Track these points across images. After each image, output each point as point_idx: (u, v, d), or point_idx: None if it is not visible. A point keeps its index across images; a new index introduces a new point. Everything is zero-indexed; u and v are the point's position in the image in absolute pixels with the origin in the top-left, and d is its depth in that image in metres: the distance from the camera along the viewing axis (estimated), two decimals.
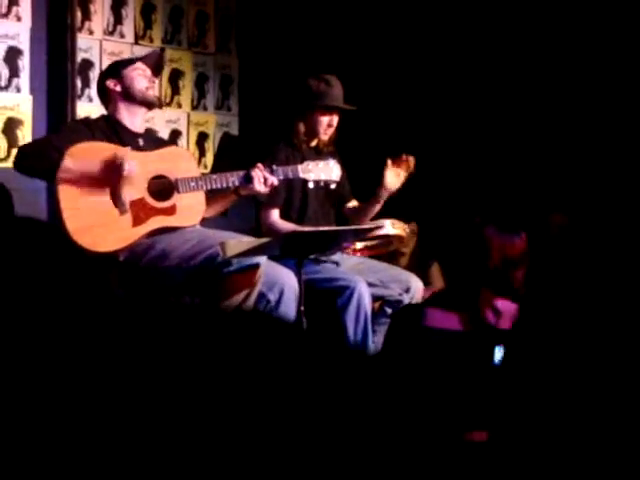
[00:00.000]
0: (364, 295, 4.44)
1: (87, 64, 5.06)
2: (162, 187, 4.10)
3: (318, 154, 4.81)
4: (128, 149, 3.94)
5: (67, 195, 3.92)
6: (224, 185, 4.13)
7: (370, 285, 4.52)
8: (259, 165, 4.18)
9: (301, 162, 4.71)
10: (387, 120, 5.67)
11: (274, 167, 4.22)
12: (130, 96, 4.20)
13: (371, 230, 4.57)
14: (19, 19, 4.75)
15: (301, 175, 4.26)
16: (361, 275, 4.54)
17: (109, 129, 4.16)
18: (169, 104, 5.44)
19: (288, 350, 1.19)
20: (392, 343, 2.72)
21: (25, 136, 4.75)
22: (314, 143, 4.81)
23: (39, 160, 3.93)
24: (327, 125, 4.74)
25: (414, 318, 2.66)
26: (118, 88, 4.21)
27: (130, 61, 4.33)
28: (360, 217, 4.81)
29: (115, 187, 3.93)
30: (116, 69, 4.27)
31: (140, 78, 4.23)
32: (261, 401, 1.11)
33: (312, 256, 4.31)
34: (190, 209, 4.15)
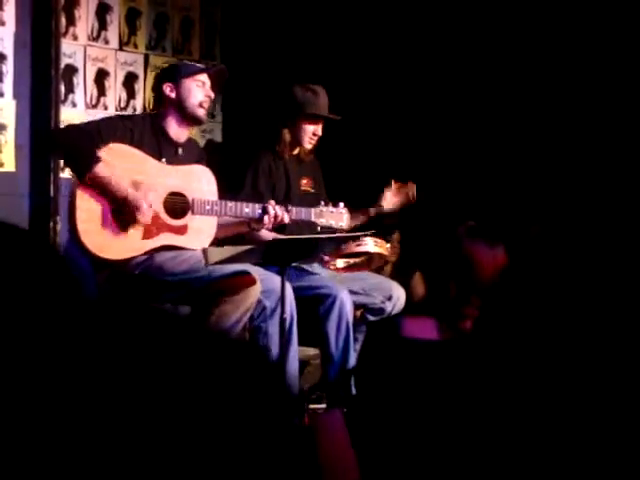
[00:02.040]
0: (346, 303, 4.45)
1: (71, 69, 5.05)
2: (178, 205, 4.07)
3: (299, 163, 4.83)
4: (148, 205, 3.93)
5: (85, 195, 3.89)
6: (238, 214, 4.11)
7: (352, 293, 4.53)
8: (272, 201, 4.18)
9: (284, 171, 4.73)
10: (370, 129, 5.68)
11: (289, 207, 4.21)
12: (182, 107, 4.15)
13: (352, 238, 4.58)
14: (3, 24, 4.75)
15: (313, 219, 4.25)
16: (343, 283, 4.55)
17: (152, 133, 4.12)
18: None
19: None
20: (369, 353, 2.73)
21: (8, 141, 4.74)
22: (296, 151, 4.83)
23: (76, 149, 3.87)
24: (312, 134, 4.76)
25: (391, 328, 2.67)
26: (173, 95, 4.16)
27: (192, 69, 4.25)
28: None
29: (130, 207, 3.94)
30: (177, 74, 4.21)
31: (198, 91, 4.17)
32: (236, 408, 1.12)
33: (294, 264, 4.31)
34: (200, 232, 4.11)
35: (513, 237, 2.88)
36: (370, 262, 4.86)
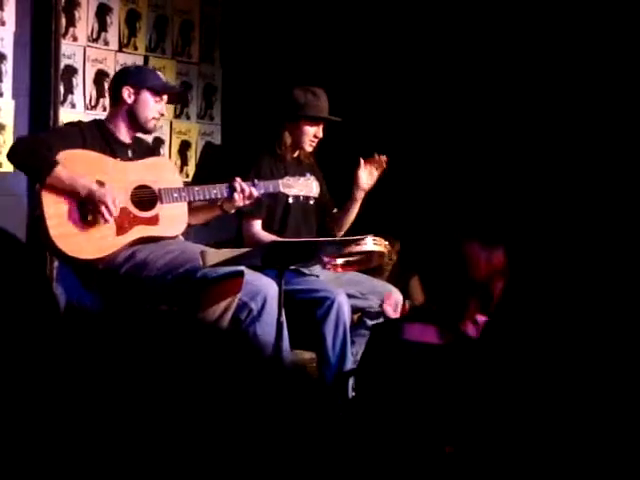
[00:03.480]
0: (343, 306, 4.45)
1: (70, 70, 5.05)
2: (145, 197, 4.12)
3: (299, 165, 4.83)
4: (111, 194, 3.95)
5: (51, 200, 3.94)
6: (206, 197, 4.16)
7: (350, 297, 4.54)
8: (238, 178, 4.22)
9: (284, 173, 4.73)
10: (369, 132, 5.69)
11: (255, 181, 4.26)
12: (134, 115, 4.19)
13: (352, 242, 4.59)
14: (3, 24, 4.74)
15: (281, 190, 4.32)
16: (341, 287, 4.55)
17: (101, 137, 4.16)
18: None
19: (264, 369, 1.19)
20: (370, 356, 2.73)
21: (7, 141, 4.73)
22: (296, 154, 4.83)
23: (32, 157, 3.92)
24: (313, 136, 4.76)
25: (392, 331, 2.67)
26: (130, 100, 4.19)
27: (157, 85, 4.24)
28: (341, 221, 4.86)
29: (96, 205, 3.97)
30: (141, 81, 4.21)
31: (155, 106, 4.21)
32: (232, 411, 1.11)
33: (293, 267, 4.31)
34: (173, 219, 4.17)
35: (513, 240, 2.88)
36: (369, 260, 4.86)
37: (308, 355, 4.82)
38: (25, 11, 4.83)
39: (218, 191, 4.18)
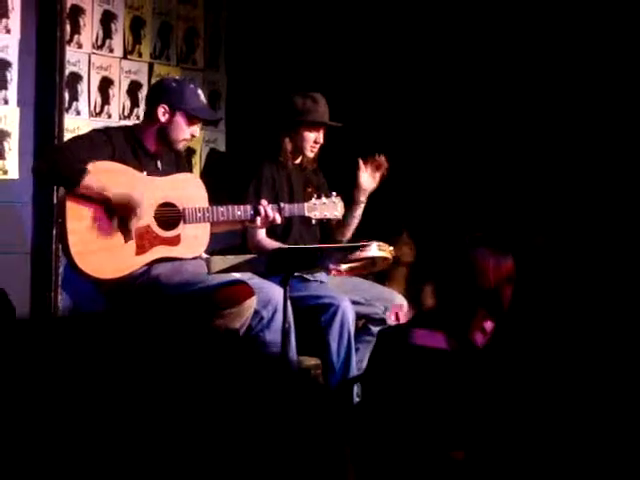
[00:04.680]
0: (348, 313, 4.46)
1: (75, 77, 5.06)
2: (169, 215, 4.08)
3: (302, 171, 4.83)
4: (143, 199, 3.93)
5: (75, 213, 3.90)
6: (230, 218, 4.13)
7: (354, 303, 4.54)
8: (264, 201, 4.19)
9: (287, 180, 4.74)
10: (375, 138, 5.69)
11: (281, 205, 4.23)
12: (166, 134, 4.14)
13: (357, 248, 4.58)
14: (8, 31, 4.75)
15: (306, 214, 4.29)
16: (345, 293, 4.55)
17: (129, 147, 4.11)
18: None
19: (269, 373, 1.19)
20: (378, 361, 2.73)
21: (12, 148, 4.74)
22: (298, 160, 4.83)
23: (62, 165, 3.86)
24: (314, 142, 4.75)
25: (400, 337, 2.68)
26: (164, 119, 4.13)
27: (196, 111, 4.17)
28: (345, 225, 4.82)
29: (124, 218, 3.94)
30: (178, 103, 4.14)
31: (186, 130, 4.15)
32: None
33: (297, 274, 4.32)
34: (194, 240, 4.13)
35: (520, 247, 2.88)
36: (374, 265, 4.85)
37: (313, 361, 4.83)
38: (30, 19, 4.84)
39: (242, 213, 4.14)
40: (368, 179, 4.73)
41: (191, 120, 4.15)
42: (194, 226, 4.09)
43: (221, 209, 4.12)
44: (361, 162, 4.73)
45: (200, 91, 4.28)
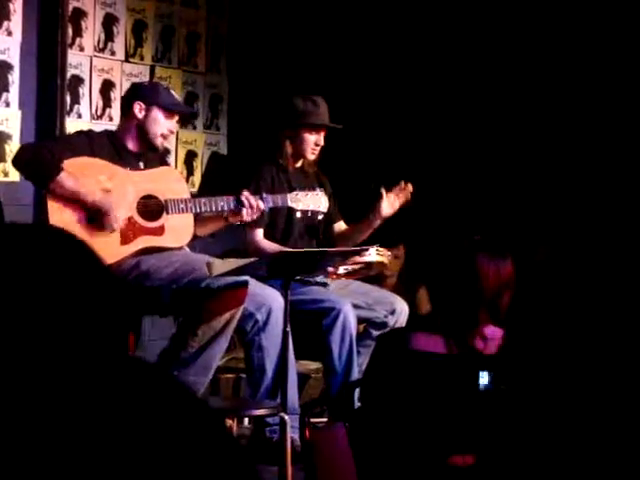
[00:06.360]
0: (349, 317, 4.44)
1: (77, 80, 5.06)
2: (151, 207, 4.14)
3: (303, 175, 4.81)
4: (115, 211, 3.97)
5: (56, 208, 3.96)
6: (213, 209, 4.18)
7: (355, 307, 4.53)
8: (246, 192, 4.22)
9: (287, 183, 4.72)
10: (374, 140, 5.68)
11: (264, 195, 4.26)
12: (143, 130, 4.21)
13: (358, 252, 4.57)
14: (10, 34, 4.75)
15: (290, 204, 4.33)
16: (346, 297, 4.54)
17: (111, 147, 4.18)
18: None
19: None
20: (377, 365, 2.72)
21: (13, 151, 4.73)
22: (299, 164, 4.81)
23: (35, 163, 3.96)
24: (314, 144, 4.73)
25: (399, 341, 2.66)
26: (140, 116, 4.21)
27: (169, 104, 4.27)
28: (349, 241, 4.78)
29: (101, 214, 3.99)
30: (152, 98, 4.24)
31: (165, 123, 4.23)
32: None
33: (298, 277, 4.31)
34: (178, 230, 4.18)
35: (520, 252, 2.87)
36: (369, 269, 4.83)
37: (314, 365, 4.82)
38: (32, 21, 4.84)
39: (225, 204, 4.19)
40: (387, 207, 4.66)
41: (167, 114, 4.23)
42: (177, 217, 4.15)
43: (203, 200, 4.19)
44: (384, 192, 4.65)
45: (173, 91, 4.46)
